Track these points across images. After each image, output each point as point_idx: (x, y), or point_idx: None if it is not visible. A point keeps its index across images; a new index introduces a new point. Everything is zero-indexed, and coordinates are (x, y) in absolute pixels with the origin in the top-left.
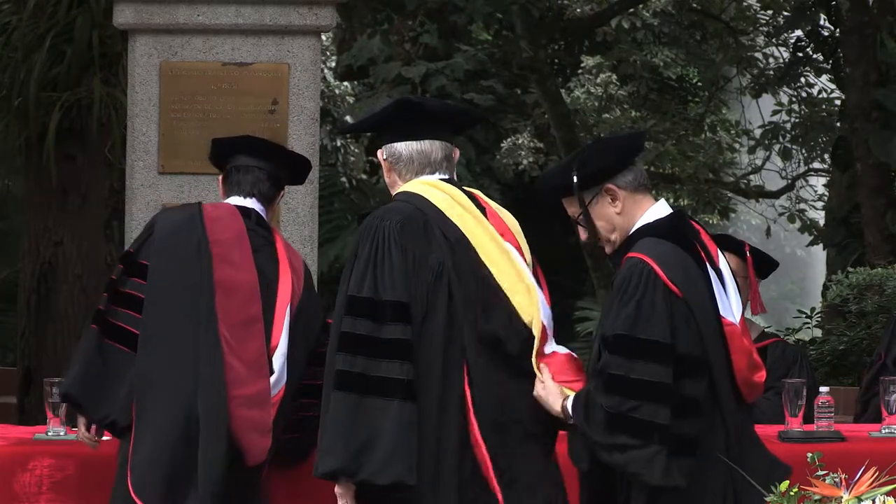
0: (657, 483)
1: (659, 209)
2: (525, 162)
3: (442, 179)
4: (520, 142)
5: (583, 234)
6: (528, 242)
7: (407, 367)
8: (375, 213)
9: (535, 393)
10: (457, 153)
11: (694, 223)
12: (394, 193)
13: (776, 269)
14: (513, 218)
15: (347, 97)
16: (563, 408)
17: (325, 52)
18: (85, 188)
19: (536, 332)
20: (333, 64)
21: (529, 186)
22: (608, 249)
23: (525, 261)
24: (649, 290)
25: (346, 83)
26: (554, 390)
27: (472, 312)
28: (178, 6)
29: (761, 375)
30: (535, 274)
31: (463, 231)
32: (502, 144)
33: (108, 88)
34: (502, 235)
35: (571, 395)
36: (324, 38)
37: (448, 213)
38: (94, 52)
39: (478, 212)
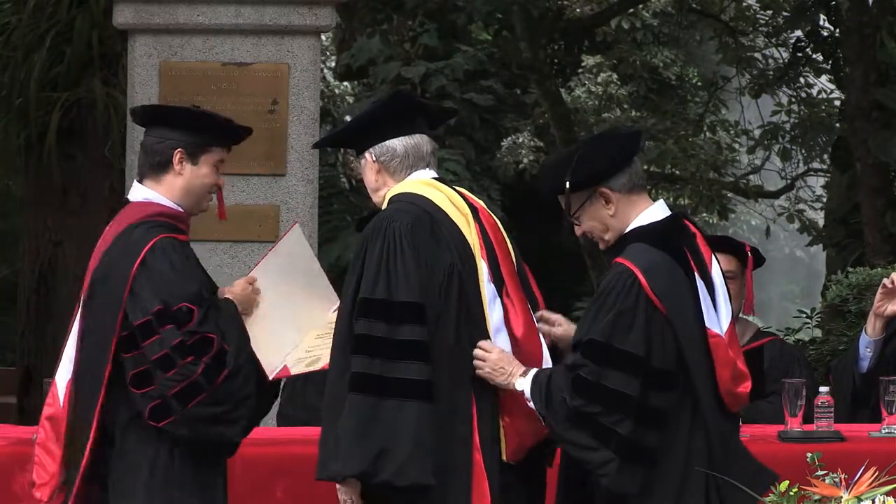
0: (607, 486)
1: (655, 211)
2: (525, 161)
3: (433, 178)
4: (520, 141)
5: (577, 231)
6: (527, 242)
7: (424, 368)
8: (382, 215)
9: (486, 361)
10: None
11: (692, 226)
12: (383, 195)
13: (762, 264)
14: (495, 218)
15: (347, 97)
16: (517, 383)
17: (324, 52)
18: (85, 188)
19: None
20: (333, 64)
21: (529, 186)
22: (602, 246)
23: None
24: (630, 301)
25: (345, 83)
26: (509, 359)
27: (476, 317)
28: (178, 6)
29: (746, 386)
30: (521, 273)
31: (463, 233)
32: (502, 144)
33: (108, 88)
34: (493, 234)
35: (531, 370)
36: (323, 38)
37: (451, 214)
38: (94, 52)
39: (471, 220)
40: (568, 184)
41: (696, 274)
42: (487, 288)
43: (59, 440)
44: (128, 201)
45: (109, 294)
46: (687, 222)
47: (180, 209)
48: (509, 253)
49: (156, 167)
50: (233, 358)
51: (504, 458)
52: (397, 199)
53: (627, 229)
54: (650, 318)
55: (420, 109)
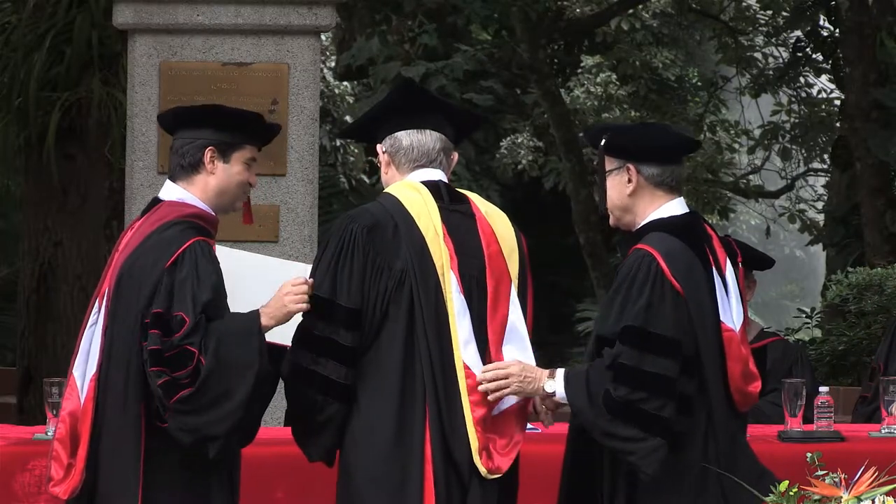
0: (649, 474)
1: (675, 206)
2: (524, 161)
3: (425, 181)
4: (519, 141)
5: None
6: (527, 243)
7: (348, 372)
8: (349, 213)
9: (510, 378)
10: (455, 155)
11: (708, 227)
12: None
13: (771, 266)
14: (508, 224)
15: (347, 97)
16: (546, 385)
17: (324, 52)
18: (85, 188)
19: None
20: (333, 64)
21: (529, 186)
22: (612, 222)
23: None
24: (657, 285)
25: (345, 83)
26: (526, 365)
27: (434, 329)
28: (177, 6)
29: (756, 386)
30: (523, 284)
31: (426, 242)
32: (501, 144)
33: (108, 88)
34: (487, 245)
35: (559, 370)
36: (323, 38)
37: (418, 221)
38: (93, 52)
39: (440, 229)
40: (603, 142)
41: (714, 269)
42: (457, 299)
43: (83, 435)
44: (158, 200)
45: (137, 290)
46: (705, 224)
47: (212, 213)
48: (506, 270)
49: (187, 168)
50: (201, 380)
51: (483, 473)
52: (378, 199)
53: (645, 221)
54: (675, 302)
55: (432, 105)
